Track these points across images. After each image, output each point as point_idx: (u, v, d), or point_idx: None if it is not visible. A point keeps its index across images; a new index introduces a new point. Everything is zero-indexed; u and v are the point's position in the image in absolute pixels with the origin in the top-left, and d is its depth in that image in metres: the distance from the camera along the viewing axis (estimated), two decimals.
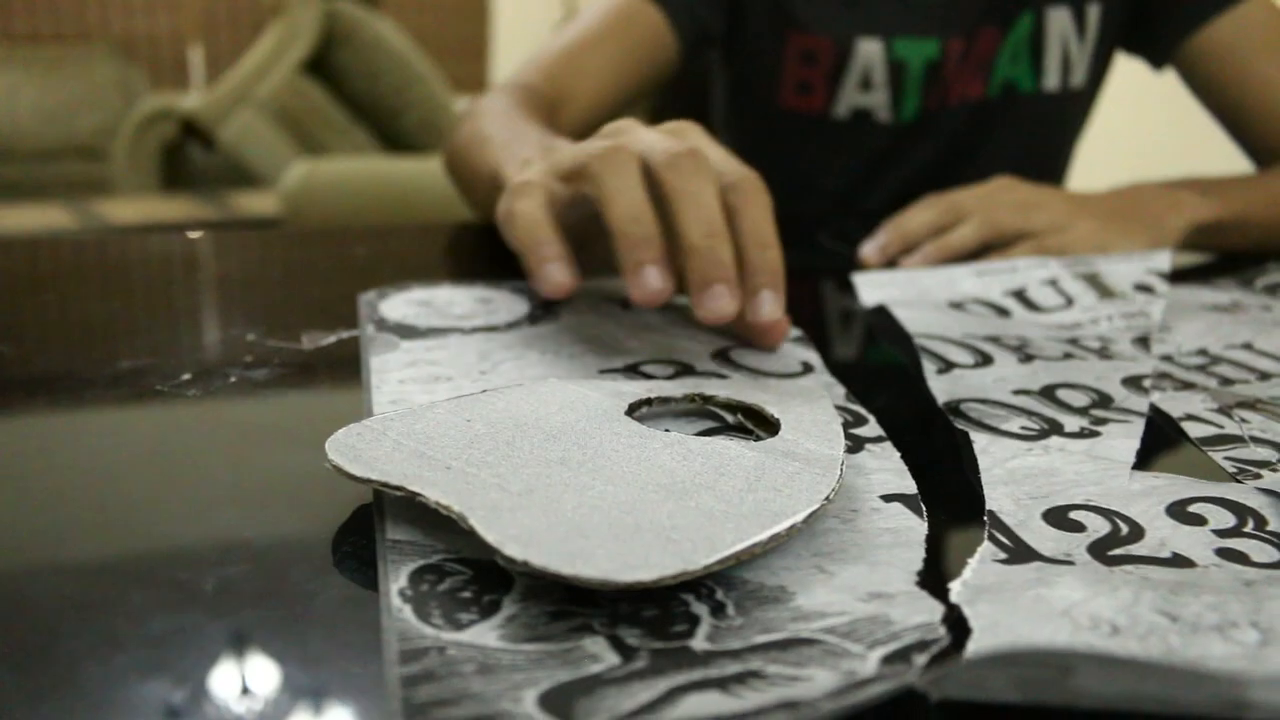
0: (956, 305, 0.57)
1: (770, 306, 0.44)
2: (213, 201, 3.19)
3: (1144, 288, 0.59)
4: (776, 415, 0.37)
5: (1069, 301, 0.58)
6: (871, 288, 0.59)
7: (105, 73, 4.40)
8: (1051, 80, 0.96)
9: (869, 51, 0.94)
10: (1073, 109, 1.01)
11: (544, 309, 0.52)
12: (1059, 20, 0.94)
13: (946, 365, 0.46)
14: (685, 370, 0.44)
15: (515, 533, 0.27)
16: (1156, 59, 0.98)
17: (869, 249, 0.67)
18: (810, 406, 0.39)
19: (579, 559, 0.26)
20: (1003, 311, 0.57)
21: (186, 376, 0.41)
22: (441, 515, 0.29)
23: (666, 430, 0.35)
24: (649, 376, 0.43)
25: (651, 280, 0.42)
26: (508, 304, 0.53)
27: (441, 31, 5.28)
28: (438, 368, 0.43)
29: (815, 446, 0.35)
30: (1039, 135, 1.00)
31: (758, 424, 0.39)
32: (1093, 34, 0.96)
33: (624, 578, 0.26)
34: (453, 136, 0.89)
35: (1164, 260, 0.62)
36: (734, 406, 0.39)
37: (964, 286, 0.60)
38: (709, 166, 0.44)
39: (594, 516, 0.29)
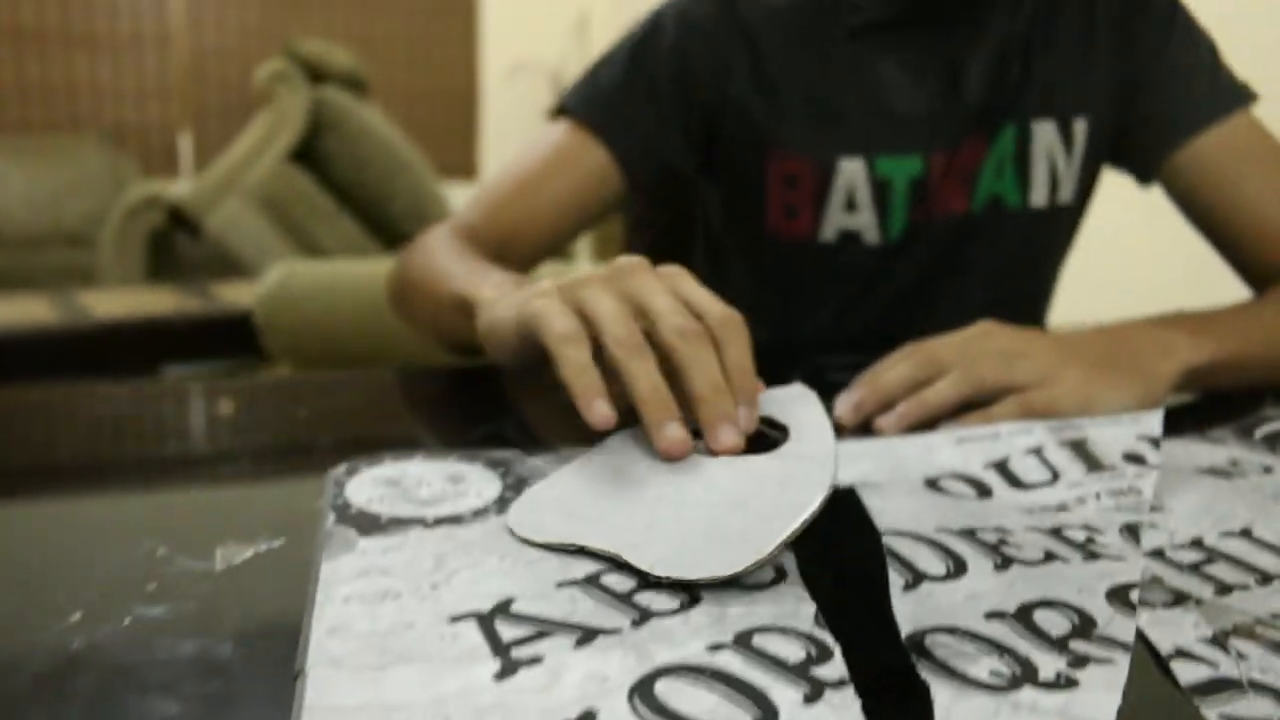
0: (933, 483, 0.53)
1: (746, 419, 0.52)
2: (197, 292, 3.17)
3: (1134, 457, 0.56)
4: (784, 422, 0.55)
5: (1054, 476, 0.54)
6: (846, 460, 0.56)
7: (95, 161, 4.41)
8: (1039, 196, 0.94)
9: (852, 171, 0.91)
10: (1060, 225, 0.98)
11: (515, 490, 0.50)
12: (1045, 134, 0.92)
13: (915, 578, 0.42)
14: (650, 584, 0.41)
15: (652, 561, 0.41)
16: (1143, 174, 0.96)
17: (843, 408, 0.64)
18: (806, 409, 0.56)
19: (696, 568, 0.40)
20: (983, 490, 0.53)
21: (75, 618, 0.37)
22: None
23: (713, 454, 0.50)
24: (607, 590, 0.40)
25: (675, 433, 0.50)
26: (479, 484, 0.51)
27: (431, 118, 5.31)
28: (388, 579, 0.40)
29: (816, 446, 0.51)
30: (1026, 251, 0.98)
31: (773, 426, 0.55)
32: (1080, 149, 0.94)
33: (725, 572, 0.40)
34: (400, 270, 0.89)
35: (1155, 423, 0.59)
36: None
37: (943, 457, 0.57)
38: (707, 337, 0.52)
39: (693, 537, 0.43)
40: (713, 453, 0.50)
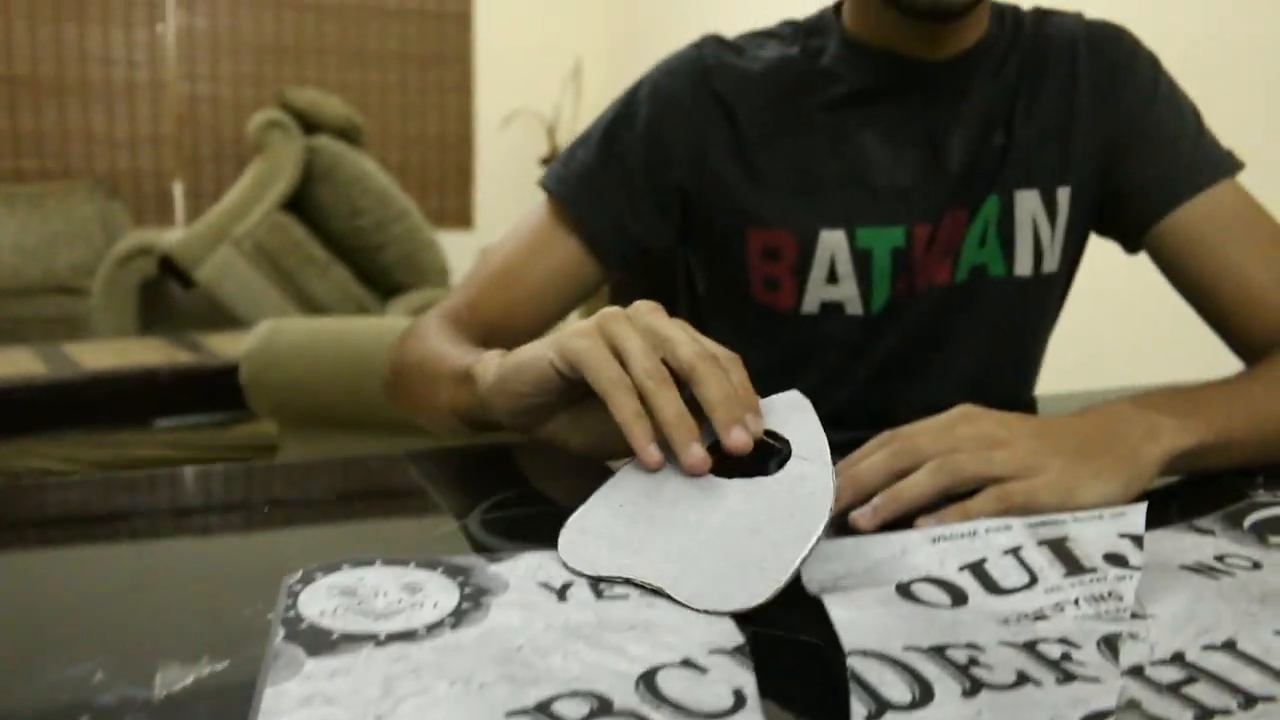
0: (906, 589, 0.52)
1: (753, 424, 0.57)
2: (188, 344, 3.16)
3: (1116, 558, 0.54)
4: (784, 434, 0.60)
5: (1033, 579, 0.53)
6: (817, 561, 0.54)
7: (87, 210, 4.42)
8: (1023, 265, 0.93)
9: (833, 243, 0.91)
10: (1046, 294, 0.97)
11: (473, 601, 0.48)
12: (1028, 203, 0.91)
13: (879, 707, 0.40)
14: (604, 709, 0.39)
15: (690, 593, 0.49)
16: (1129, 243, 0.95)
17: (861, 513, 0.62)
18: (803, 420, 0.61)
19: (726, 600, 0.48)
20: (959, 596, 0.51)
21: None
22: None
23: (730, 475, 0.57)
24: (554, 717, 0.39)
25: (698, 452, 0.56)
26: (437, 593, 0.49)
27: (426, 166, 5.33)
28: (332, 709, 0.39)
29: (816, 465, 0.57)
30: (1011, 320, 0.97)
31: (773, 438, 0.60)
32: (1063, 217, 0.93)
33: (752, 604, 0.48)
34: (396, 359, 0.90)
35: (1138, 519, 0.57)
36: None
37: (918, 560, 0.55)
38: (719, 361, 0.59)
39: (720, 565, 0.50)
40: (725, 463, 0.57)
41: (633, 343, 0.59)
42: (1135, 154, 0.92)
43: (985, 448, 0.62)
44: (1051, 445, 0.63)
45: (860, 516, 0.60)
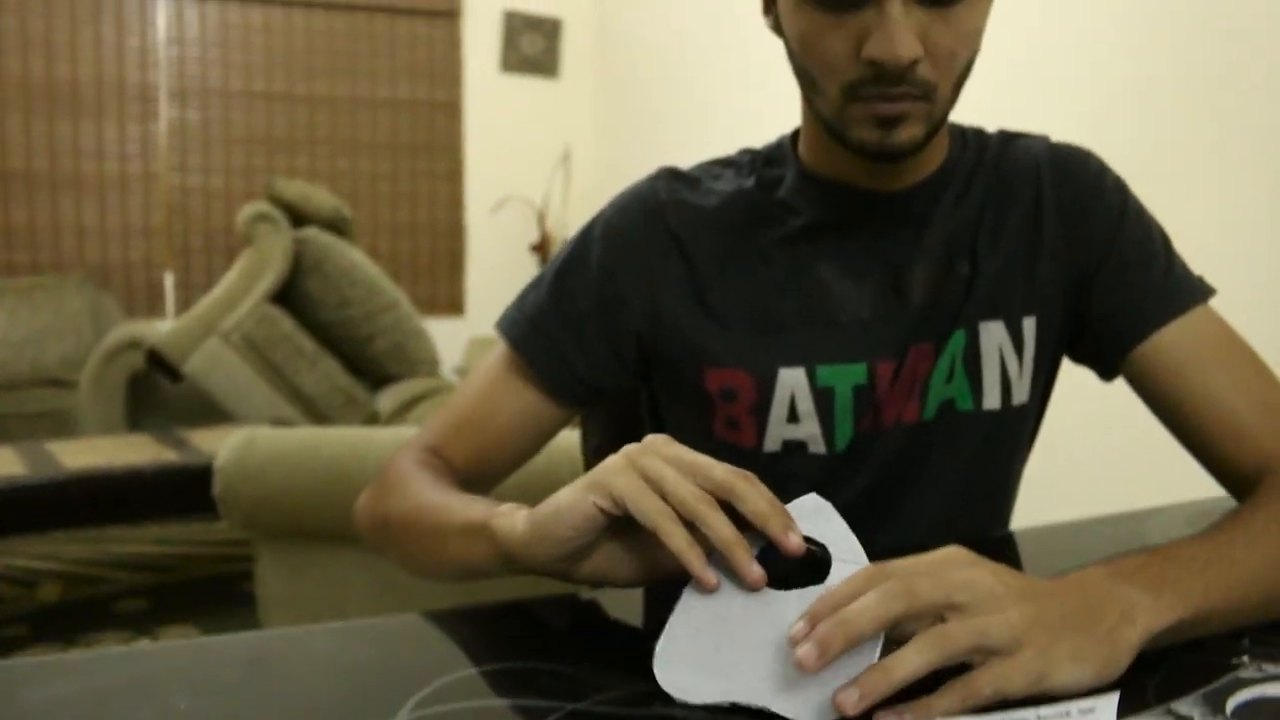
0: None
1: (796, 531, 0.61)
2: (174, 441, 3.13)
3: None
4: (816, 538, 0.63)
5: None
6: None
7: (77, 302, 4.42)
8: (992, 399, 0.90)
9: (792, 381, 0.88)
10: (1017, 426, 0.94)
11: None
12: (993, 335, 0.89)
13: None
14: None
15: (794, 708, 0.55)
16: (1103, 371, 0.93)
17: (805, 652, 0.58)
18: (830, 524, 0.64)
19: (827, 711, 0.54)
20: None
21: None
22: None
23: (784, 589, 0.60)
24: None
25: (758, 569, 0.59)
26: None
27: (416, 252, 5.34)
28: None
29: (857, 569, 0.60)
30: (983, 455, 0.94)
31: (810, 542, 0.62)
32: (1030, 348, 0.91)
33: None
34: (377, 510, 0.89)
35: (1108, 715, 0.54)
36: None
37: None
38: (750, 478, 0.63)
39: (802, 679, 0.55)
40: (771, 576, 0.60)
41: (668, 472, 0.62)
42: (1104, 282, 0.90)
43: (977, 611, 0.57)
44: (1038, 614, 0.58)
45: (846, 701, 0.55)
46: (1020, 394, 0.91)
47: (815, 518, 0.65)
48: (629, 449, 0.65)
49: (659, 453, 0.64)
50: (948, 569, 0.59)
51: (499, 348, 0.94)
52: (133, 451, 3.01)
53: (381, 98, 5.22)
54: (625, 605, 0.75)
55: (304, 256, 3.62)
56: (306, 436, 1.75)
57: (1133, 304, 0.89)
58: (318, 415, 3.52)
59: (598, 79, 5.61)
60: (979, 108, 1.07)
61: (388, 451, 1.68)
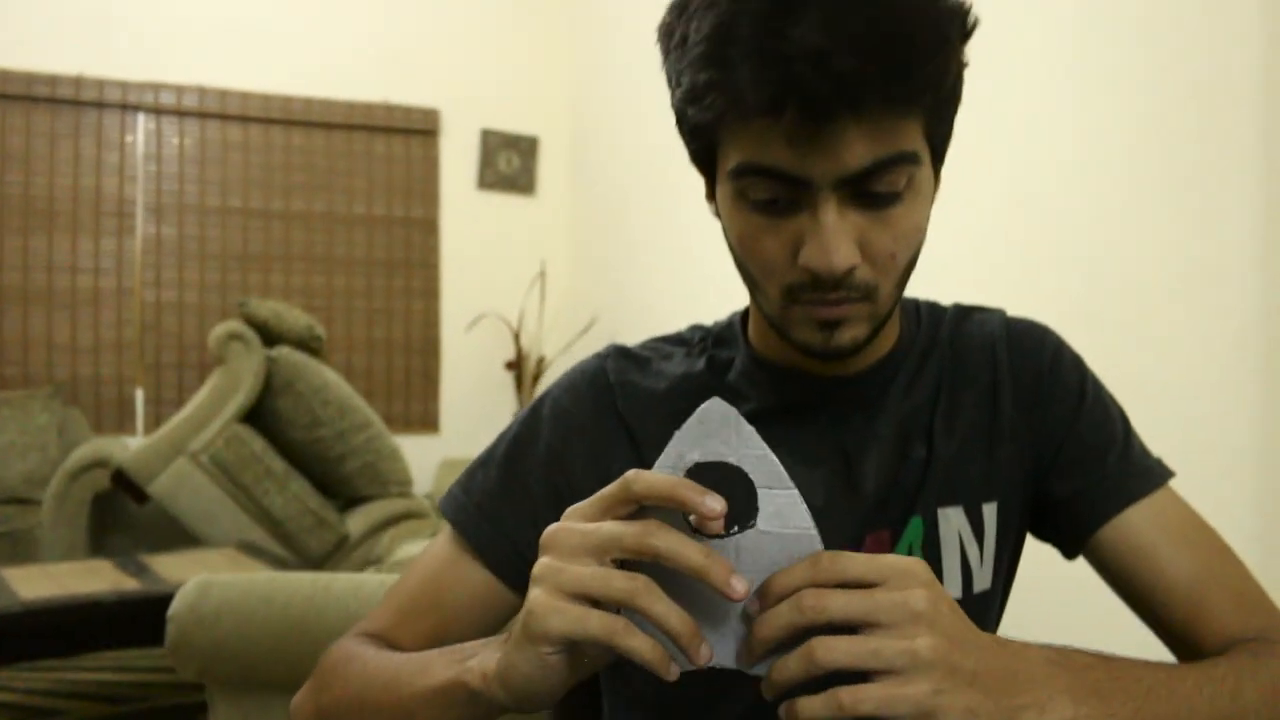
0: None
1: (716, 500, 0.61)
2: (135, 568, 3.06)
3: None
4: (736, 463, 0.64)
5: None
6: None
7: (43, 419, 4.36)
8: (953, 587, 0.88)
9: None
10: (981, 612, 0.92)
11: None
12: (952, 522, 0.87)
13: None
14: None
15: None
16: (1066, 551, 0.91)
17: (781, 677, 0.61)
18: (738, 434, 0.65)
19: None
20: None
21: None
22: None
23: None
24: None
25: (706, 649, 0.61)
26: None
27: (391, 369, 5.33)
28: None
29: (781, 495, 0.65)
30: None
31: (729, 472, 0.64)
32: (992, 535, 0.89)
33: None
34: (315, 707, 0.83)
35: None
36: None
37: None
38: (654, 519, 0.61)
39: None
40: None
41: (586, 575, 0.60)
42: (1063, 467, 0.88)
43: (888, 632, 0.59)
44: (951, 655, 0.59)
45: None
46: (982, 581, 0.88)
47: (724, 429, 0.65)
48: (537, 571, 0.63)
49: (563, 547, 0.62)
50: (892, 587, 0.60)
51: (445, 531, 0.91)
52: (93, 579, 2.94)
53: (359, 214, 5.24)
54: None
55: (276, 375, 3.59)
56: (261, 582, 1.71)
57: (1092, 489, 0.87)
58: (286, 537, 3.47)
59: (573, 196, 5.66)
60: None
61: (344, 598, 1.64)
